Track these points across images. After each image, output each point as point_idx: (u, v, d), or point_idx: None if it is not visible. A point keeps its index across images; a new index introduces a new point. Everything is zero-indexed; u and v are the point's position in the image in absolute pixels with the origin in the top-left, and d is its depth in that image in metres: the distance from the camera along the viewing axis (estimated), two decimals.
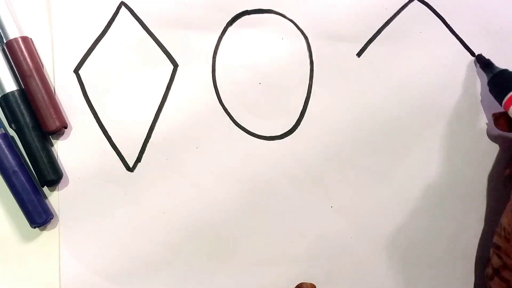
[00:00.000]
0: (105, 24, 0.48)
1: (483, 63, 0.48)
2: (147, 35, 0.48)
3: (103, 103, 0.47)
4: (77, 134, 0.46)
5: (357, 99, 0.49)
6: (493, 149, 0.49)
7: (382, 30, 0.50)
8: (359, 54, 0.49)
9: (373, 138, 0.48)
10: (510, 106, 0.43)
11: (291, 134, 0.48)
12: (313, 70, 0.49)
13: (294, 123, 0.48)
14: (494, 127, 0.46)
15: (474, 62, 0.49)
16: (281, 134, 0.48)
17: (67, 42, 0.47)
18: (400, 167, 0.48)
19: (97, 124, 0.47)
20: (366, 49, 0.49)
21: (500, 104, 0.44)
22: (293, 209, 0.47)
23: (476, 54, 0.49)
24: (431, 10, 0.50)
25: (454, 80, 0.49)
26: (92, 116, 0.47)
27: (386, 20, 0.50)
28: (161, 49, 0.48)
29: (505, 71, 0.45)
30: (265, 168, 0.47)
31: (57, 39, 0.47)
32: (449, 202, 0.48)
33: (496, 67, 0.46)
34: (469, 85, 0.49)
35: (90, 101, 0.47)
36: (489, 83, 0.46)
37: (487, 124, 0.48)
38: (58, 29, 0.47)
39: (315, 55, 0.49)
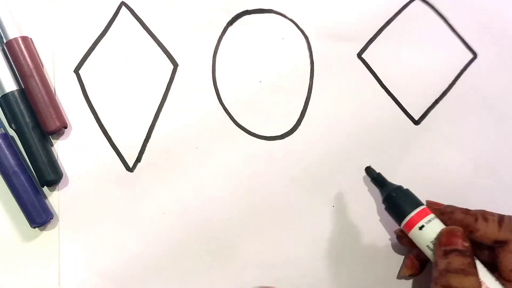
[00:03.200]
0: (106, 24, 0.48)
1: (373, 178, 0.44)
2: (147, 35, 0.48)
3: (103, 103, 0.47)
4: (77, 134, 0.46)
5: (358, 99, 0.48)
6: (492, 148, 0.48)
7: (383, 29, 0.50)
8: (359, 53, 0.49)
9: (373, 137, 0.48)
10: (410, 230, 0.40)
11: (291, 134, 0.48)
12: (313, 70, 0.49)
13: (294, 123, 0.48)
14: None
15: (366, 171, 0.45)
16: (281, 134, 0.48)
17: (68, 41, 0.47)
18: (401, 167, 0.48)
19: (97, 124, 0.46)
20: (367, 48, 0.49)
21: (399, 225, 0.42)
22: (293, 209, 0.46)
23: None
24: (432, 9, 0.50)
25: (455, 79, 0.49)
26: (92, 116, 0.47)
27: (387, 20, 0.50)
28: (161, 48, 0.48)
29: (398, 190, 0.42)
30: (266, 168, 0.47)
31: (58, 38, 0.47)
32: (449, 201, 0.45)
33: (389, 184, 0.43)
34: (470, 84, 0.49)
35: (90, 101, 0.47)
36: (384, 202, 0.43)
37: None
38: (59, 28, 0.47)
39: (315, 55, 0.49)
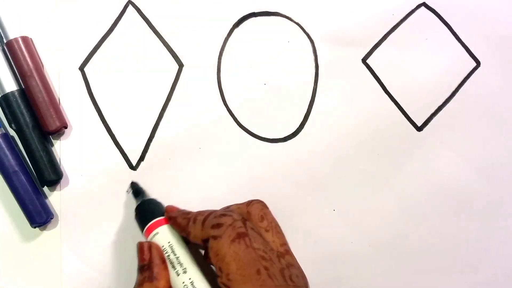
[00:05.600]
0: (112, 22, 0.46)
1: (135, 190, 0.42)
2: (153, 34, 0.46)
3: (108, 101, 0.45)
4: (79, 132, 0.44)
5: (361, 104, 0.47)
6: (494, 155, 0.46)
7: (388, 35, 0.48)
8: (364, 59, 0.47)
9: (376, 143, 0.46)
10: (148, 235, 0.39)
11: (294, 137, 0.46)
12: (318, 73, 0.47)
13: (297, 126, 0.46)
14: None
15: (128, 190, 0.43)
16: (284, 137, 0.46)
17: (74, 39, 0.46)
18: (403, 172, 0.46)
19: (100, 122, 0.45)
20: (371, 54, 0.47)
21: (142, 232, 0.40)
22: (295, 212, 0.45)
23: None
24: (437, 17, 0.48)
25: (458, 87, 0.47)
26: (96, 114, 0.45)
27: (392, 26, 0.48)
28: (167, 48, 0.46)
29: (149, 201, 0.41)
30: (268, 171, 0.45)
31: (64, 35, 0.45)
32: (451, 208, 0.45)
33: (144, 195, 0.42)
34: (473, 92, 0.47)
35: (94, 98, 0.45)
36: (136, 210, 0.41)
37: None
38: (65, 25, 0.46)
39: (320, 58, 0.47)
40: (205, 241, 0.36)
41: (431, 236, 0.45)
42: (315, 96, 0.46)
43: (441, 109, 0.47)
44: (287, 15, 0.47)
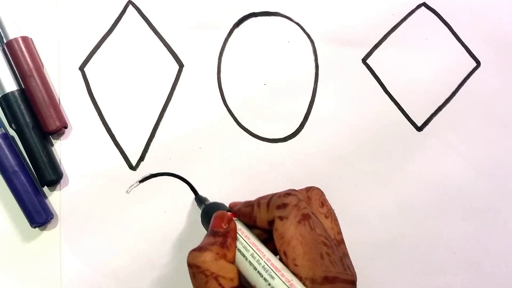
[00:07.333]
0: (112, 22, 0.46)
1: (199, 199, 0.43)
2: (154, 34, 0.46)
3: (108, 101, 0.45)
4: (79, 132, 0.44)
5: (361, 103, 0.46)
6: (494, 155, 0.46)
7: (388, 35, 0.48)
8: (364, 59, 0.47)
9: (376, 142, 0.46)
10: None
11: (294, 137, 0.46)
12: (318, 73, 0.47)
13: (297, 126, 0.46)
14: None
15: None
16: (284, 137, 0.46)
17: (74, 39, 0.45)
18: (403, 172, 0.46)
19: (100, 122, 0.45)
20: (371, 54, 0.47)
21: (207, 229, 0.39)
22: None
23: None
24: (437, 17, 0.48)
25: (458, 87, 0.47)
26: (96, 114, 0.45)
27: (392, 26, 0.48)
28: (167, 49, 0.46)
29: (212, 203, 0.40)
30: (267, 170, 0.45)
31: (64, 36, 0.45)
32: (450, 208, 0.45)
33: (208, 201, 0.42)
34: (474, 92, 0.47)
35: (94, 98, 0.45)
36: (202, 213, 0.40)
37: None
38: (65, 25, 0.45)
39: (320, 58, 0.47)
40: (271, 223, 0.34)
41: (431, 236, 0.45)
42: (315, 96, 0.46)
43: (441, 109, 0.47)
44: (287, 15, 0.47)
